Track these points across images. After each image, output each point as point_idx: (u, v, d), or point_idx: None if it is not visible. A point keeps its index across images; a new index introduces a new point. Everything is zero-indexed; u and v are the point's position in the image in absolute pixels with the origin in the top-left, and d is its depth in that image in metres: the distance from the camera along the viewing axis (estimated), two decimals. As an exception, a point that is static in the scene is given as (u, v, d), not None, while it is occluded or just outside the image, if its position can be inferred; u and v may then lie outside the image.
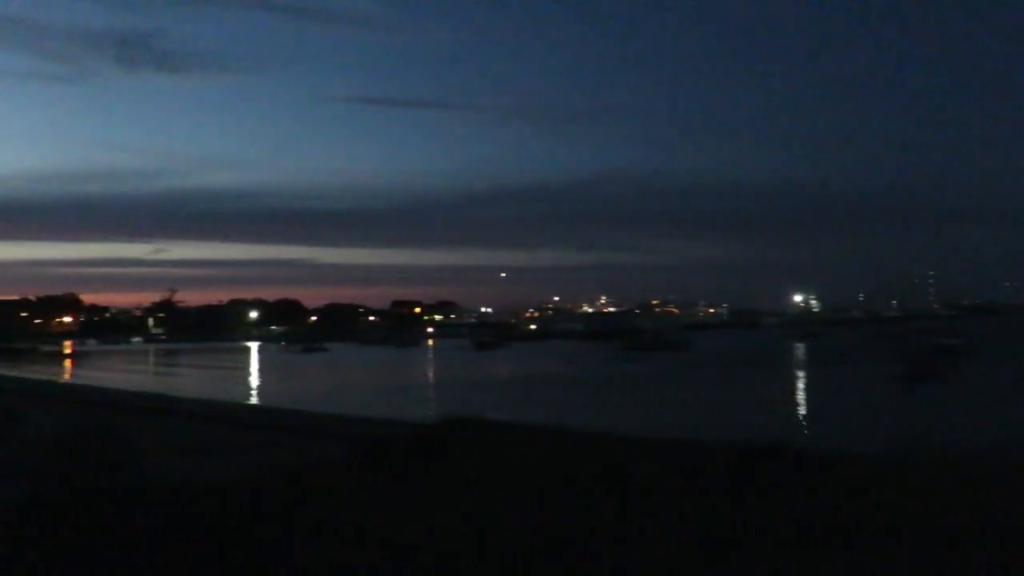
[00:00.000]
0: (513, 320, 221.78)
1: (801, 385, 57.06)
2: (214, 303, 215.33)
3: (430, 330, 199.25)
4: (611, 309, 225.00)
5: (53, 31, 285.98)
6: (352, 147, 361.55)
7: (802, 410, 42.78)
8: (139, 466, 9.55)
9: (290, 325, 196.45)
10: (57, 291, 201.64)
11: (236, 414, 36.94)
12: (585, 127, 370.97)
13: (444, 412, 21.86)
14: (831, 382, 55.71)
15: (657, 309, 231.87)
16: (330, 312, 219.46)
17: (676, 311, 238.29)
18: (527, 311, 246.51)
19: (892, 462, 11.18)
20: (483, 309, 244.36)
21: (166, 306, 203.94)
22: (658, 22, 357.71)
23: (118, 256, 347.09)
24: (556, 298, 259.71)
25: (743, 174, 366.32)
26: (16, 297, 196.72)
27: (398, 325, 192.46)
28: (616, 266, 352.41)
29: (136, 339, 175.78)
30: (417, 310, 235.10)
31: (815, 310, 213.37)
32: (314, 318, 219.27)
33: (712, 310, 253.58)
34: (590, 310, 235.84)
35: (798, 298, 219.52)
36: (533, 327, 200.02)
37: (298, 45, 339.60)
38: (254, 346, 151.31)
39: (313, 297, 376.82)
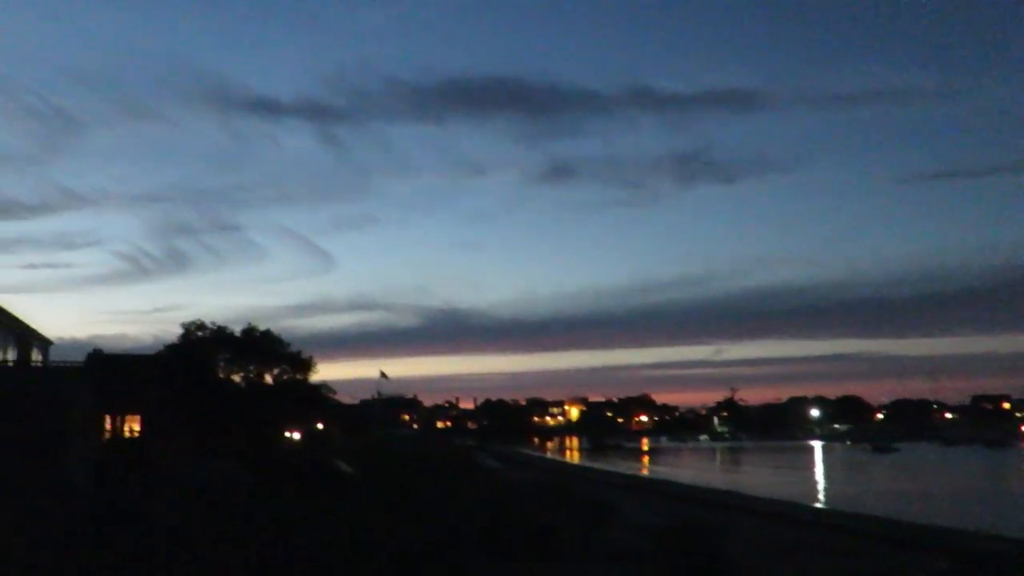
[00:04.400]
0: None
1: None
2: (774, 401, 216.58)
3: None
4: None
5: (625, 163, 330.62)
6: (910, 228, 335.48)
7: None
8: (734, 563, 9.92)
9: (854, 423, 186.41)
10: (634, 392, 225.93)
11: (808, 516, 36.02)
12: None
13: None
14: None
15: None
16: (899, 408, 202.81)
17: None
18: None
19: None
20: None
21: (728, 405, 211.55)
22: None
23: (684, 358, 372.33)
24: None
25: None
26: (602, 399, 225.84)
27: (983, 422, 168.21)
28: None
29: (703, 437, 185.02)
30: (1006, 405, 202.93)
31: None
32: (880, 415, 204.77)
33: None
34: None
35: None
36: None
37: (840, 134, 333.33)
38: (817, 445, 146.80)
39: (878, 392, 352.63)
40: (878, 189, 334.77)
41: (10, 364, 39.64)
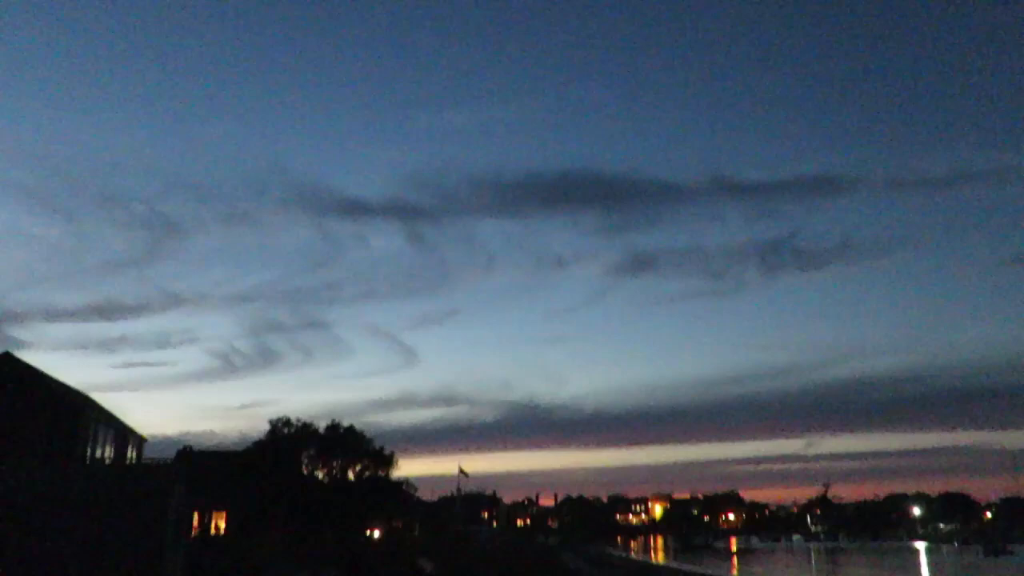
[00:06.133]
0: None
1: None
2: (870, 498, 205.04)
3: None
4: None
5: (708, 252, 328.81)
6: (1009, 313, 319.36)
7: None
8: None
9: (960, 522, 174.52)
10: (721, 489, 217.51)
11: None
12: None
13: None
14: None
15: None
16: (1010, 507, 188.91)
17: None
18: None
19: None
20: None
21: (822, 502, 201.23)
22: None
23: (773, 452, 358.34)
24: None
25: None
26: (687, 495, 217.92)
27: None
28: None
29: (796, 537, 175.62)
30: None
31: None
32: (989, 514, 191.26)
33: None
34: None
35: None
36: None
37: (930, 217, 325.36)
38: (921, 547, 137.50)
39: (986, 489, 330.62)
40: (973, 273, 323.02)
41: (108, 461, 41.01)
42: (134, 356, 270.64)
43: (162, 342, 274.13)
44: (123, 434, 45.73)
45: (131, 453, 47.40)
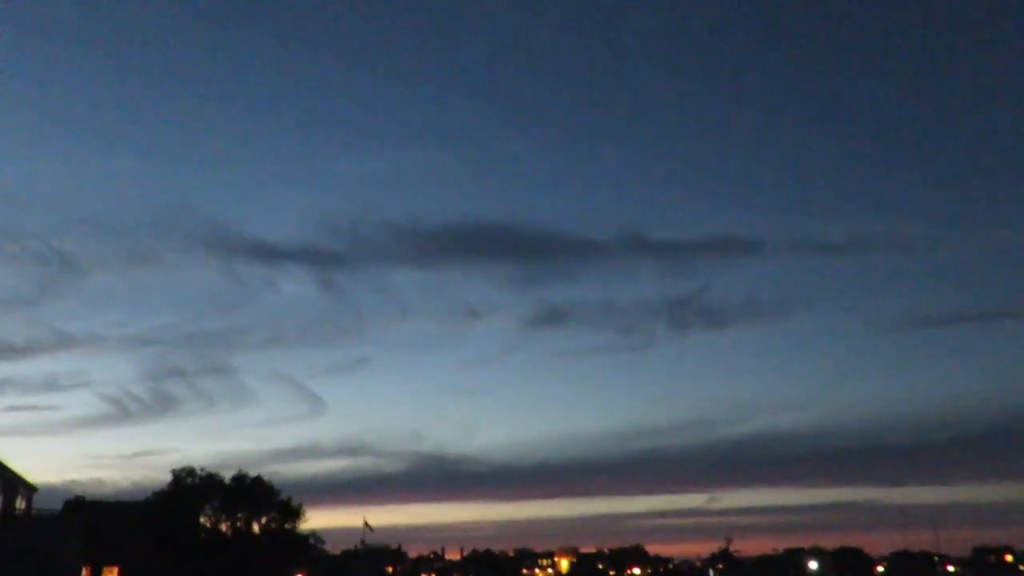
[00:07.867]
0: None
1: None
2: (770, 552, 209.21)
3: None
4: None
5: (619, 308, 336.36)
6: (904, 375, 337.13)
7: None
8: None
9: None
10: (626, 543, 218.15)
11: None
12: None
13: None
14: None
15: None
16: (900, 561, 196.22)
17: None
18: None
19: None
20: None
21: (724, 556, 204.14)
22: None
23: (678, 507, 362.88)
24: None
25: None
26: (594, 549, 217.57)
27: (986, 575, 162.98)
28: None
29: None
30: (1008, 557, 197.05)
31: None
32: (881, 568, 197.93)
33: None
34: None
35: None
36: None
37: (831, 280, 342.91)
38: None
39: (877, 543, 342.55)
40: (871, 335, 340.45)
41: (-5, 512, 38.41)
42: (20, 399, 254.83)
43: (51, 385, 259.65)
44: (12, 483, 42.96)
45: (20, 503, 44.51)
